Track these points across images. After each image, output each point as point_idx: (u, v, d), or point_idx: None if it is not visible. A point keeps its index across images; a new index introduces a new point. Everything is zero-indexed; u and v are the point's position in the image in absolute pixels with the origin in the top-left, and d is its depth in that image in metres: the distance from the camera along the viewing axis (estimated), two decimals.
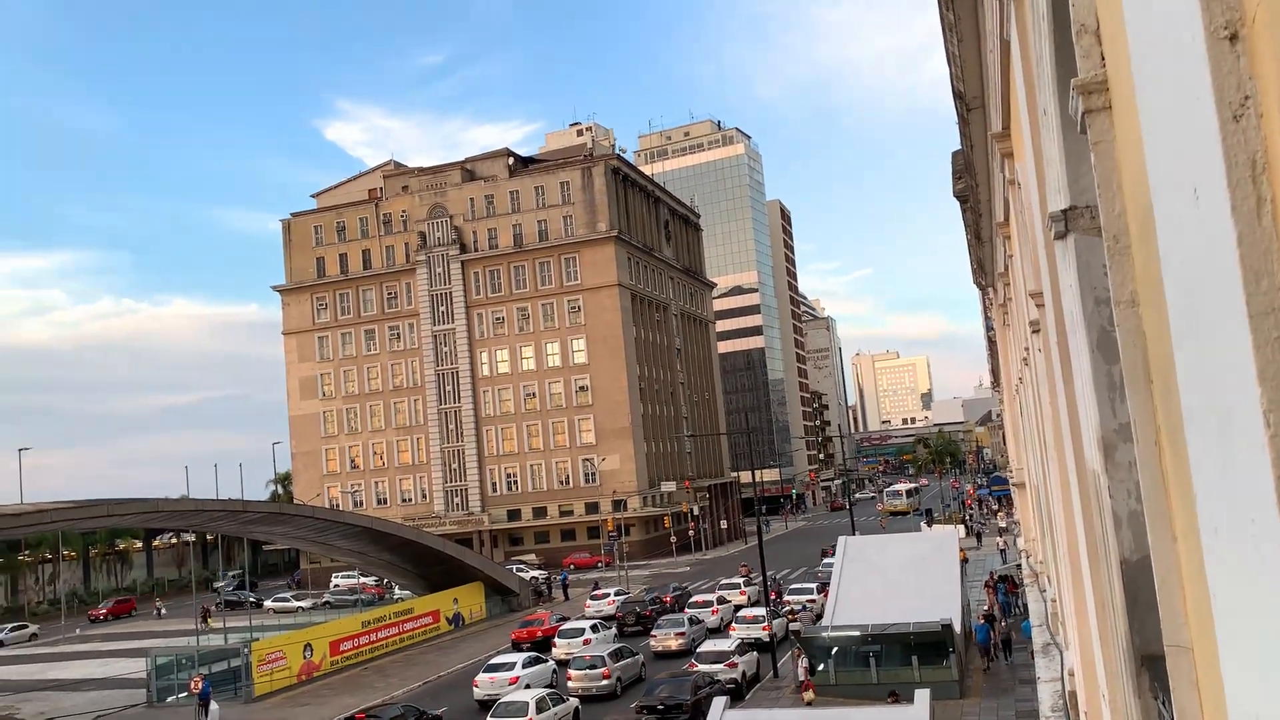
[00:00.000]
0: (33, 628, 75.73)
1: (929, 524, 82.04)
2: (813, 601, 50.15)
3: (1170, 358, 2.61)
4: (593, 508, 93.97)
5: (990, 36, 8.66)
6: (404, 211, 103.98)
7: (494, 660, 40.37)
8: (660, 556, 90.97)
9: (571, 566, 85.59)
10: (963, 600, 37.26)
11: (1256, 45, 1.74)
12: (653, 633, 46.24)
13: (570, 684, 37.09)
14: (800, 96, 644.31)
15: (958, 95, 10.96)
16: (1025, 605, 32.04)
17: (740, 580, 59.96)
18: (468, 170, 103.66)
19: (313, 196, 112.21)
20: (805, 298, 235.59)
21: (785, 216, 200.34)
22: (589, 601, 58.96)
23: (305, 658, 46.54)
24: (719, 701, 22.57)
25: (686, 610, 50.66)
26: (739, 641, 38.85)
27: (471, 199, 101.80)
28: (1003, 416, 53.74)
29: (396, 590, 71.19)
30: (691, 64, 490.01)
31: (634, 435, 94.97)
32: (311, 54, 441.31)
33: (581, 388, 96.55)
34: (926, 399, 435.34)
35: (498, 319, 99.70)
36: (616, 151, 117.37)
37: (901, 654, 32.14)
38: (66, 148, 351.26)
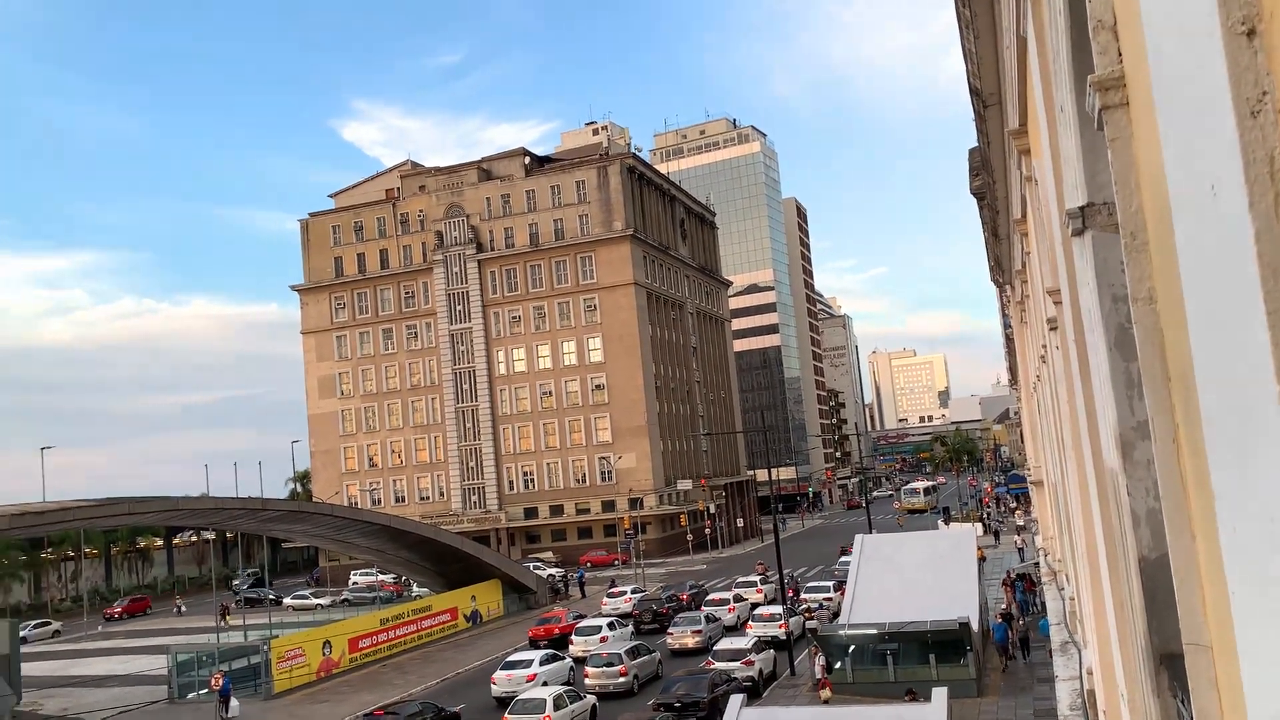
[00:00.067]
0: (56, 624, 76.40)
1: (946, 522, 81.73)
2: (829, 600, 50.07)
3: (1188, 355, 2.60)
4: (609, 506, 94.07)
5: (1007, 33, 8.63)
6: (421, 211, 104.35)
7: (511, 657, 40.48)
8: (677, 555, 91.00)
9: (588, 564, 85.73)
10: (980, 599, 37.11)
11: (1274, 41, 1.73)
12: (669, 630, 46.26)
13: (587, 681, 37.17)
14: (816, 94, 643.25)
15: (974, 92, 10.91)
16: (1043, 604, 31.90)
17: (757, 578, 59.91)
18: (484, 170, 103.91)
19: (330, 196, 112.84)
20: (821, 296, 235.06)
21: (801, 214, 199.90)
22: (606, 599, 59.04)
23: (324, 655, 46.79)
24: (736, 699, 22.56)
25: (703, 608, 50.66)
26: (756, 639, 38.82)
27: (488, 198, 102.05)
28: (1020, 414, 53.49)
29: (415, 588, 71.48)
30: (707, 62, 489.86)
31: (650, 433, 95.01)
32: (328, 55, 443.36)
33: (598, 386, 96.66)
34: (944, 397, 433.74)
35: (514, 318, 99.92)
36: (632, 150, 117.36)
37: (919, 652, 32.04)
38: (87, 150, 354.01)
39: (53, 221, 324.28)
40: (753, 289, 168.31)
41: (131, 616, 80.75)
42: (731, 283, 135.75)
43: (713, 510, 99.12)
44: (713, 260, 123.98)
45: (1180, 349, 2.74)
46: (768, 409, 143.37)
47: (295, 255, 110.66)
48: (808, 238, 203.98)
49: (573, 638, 45.98)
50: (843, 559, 60.13)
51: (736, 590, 56.27)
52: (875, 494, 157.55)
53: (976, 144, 13.81)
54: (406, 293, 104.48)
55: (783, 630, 40.99)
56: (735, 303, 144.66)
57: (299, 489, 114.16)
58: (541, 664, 38.68)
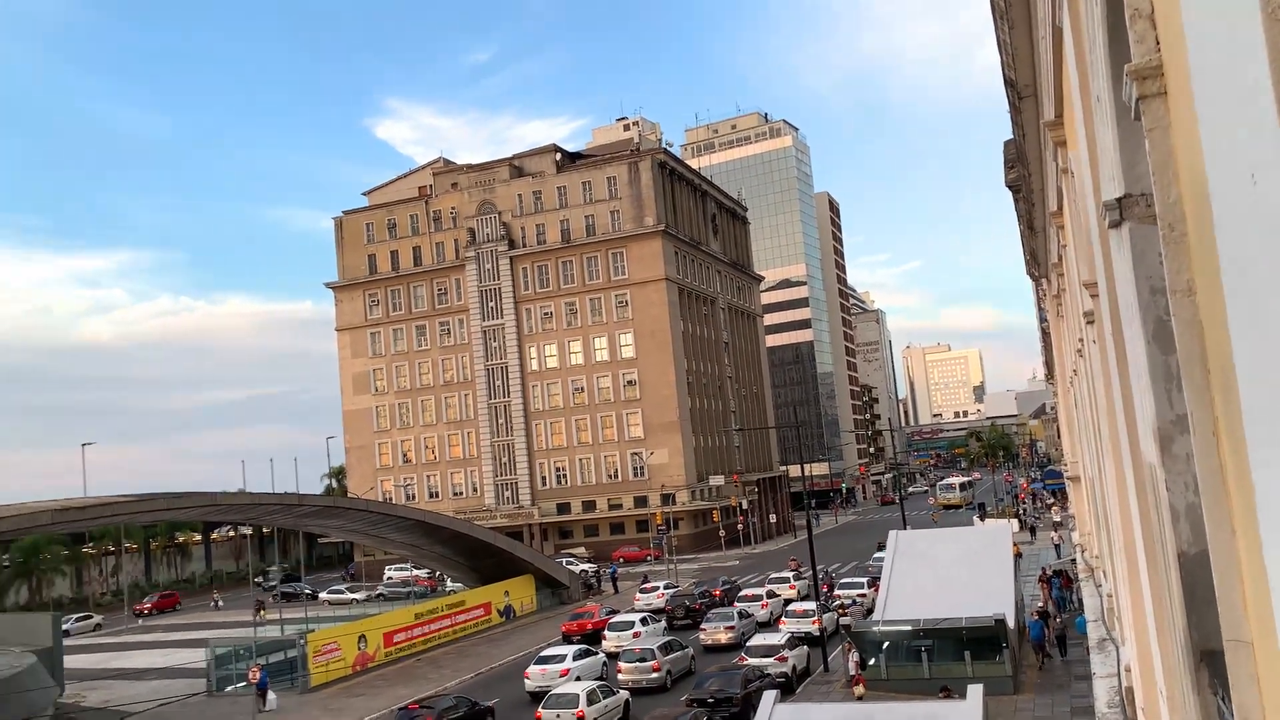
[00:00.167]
0: (97, 618, 77.70)
1: (982, 518, 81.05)
2: (863, 596, 49.86)
3: (1228, 347, 2.57)
4: (641, 501, 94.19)
5: (1042, 23, 8.54)
6: (453, 208, 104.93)
7: (545, 652, 40.67)
8: (709, 550, 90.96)
9: (621, 560, 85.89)
10: (1016, 595, 36.76)
11: None
12: (702, 626, 46.26)
13: (620, 676, 37.26)
14: (849, 87, 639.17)
15: (1009, 83, 10.81)
16: (1080, 600, 31.56)
17: (790, 574, 59.75)
18: (516, 167, 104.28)
19: (364, 194, 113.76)
20: (854, 290, 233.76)
21: (834, 209, 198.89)
22: (638, 595, 59.13)
23: (360, 649, 47.22)
24: (769, 695, 22.52)
25: (736, 604, 50.59)
26: (789, 635, 38.72)
27: (520, 195, 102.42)
28: (1057, 409, 52.93)
29: (448, 583, 71.93)
30: (738, 57, 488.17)
31: (682, 429, 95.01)
32: (362, 54, 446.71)
33: (629, 382, 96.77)
34: (979, 392, 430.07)
35: (546, 314, 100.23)
36: (663, 146, 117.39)
37: (954, 649, 31.81)
38: (124, 150, 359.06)
39: (92, 221, 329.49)
40: (785, 284, 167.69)
41: (161, 612, 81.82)
42: (763, 278, 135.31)
43: (745, 506, 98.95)
44: (744, 255, 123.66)
45: (1220, 341, 2.71)
46: (800, 404, 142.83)
47: (330, 253, 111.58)
48: (840, 232, 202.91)
49: (606, 633, 46.10)
50: (876, 555, 59.84)
51: (769, 586, 56.12)
52: (911, 490, 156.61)
53: (1012, 136, 13.67)
54: (439, 289, 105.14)
55: (816, 626, 40.87)
56: (767, 298, 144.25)
57: (334, 485, 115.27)
58: (575, 659, 38.82)
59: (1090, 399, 11.26)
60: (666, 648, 39.06)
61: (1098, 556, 18.66)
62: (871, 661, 32.92)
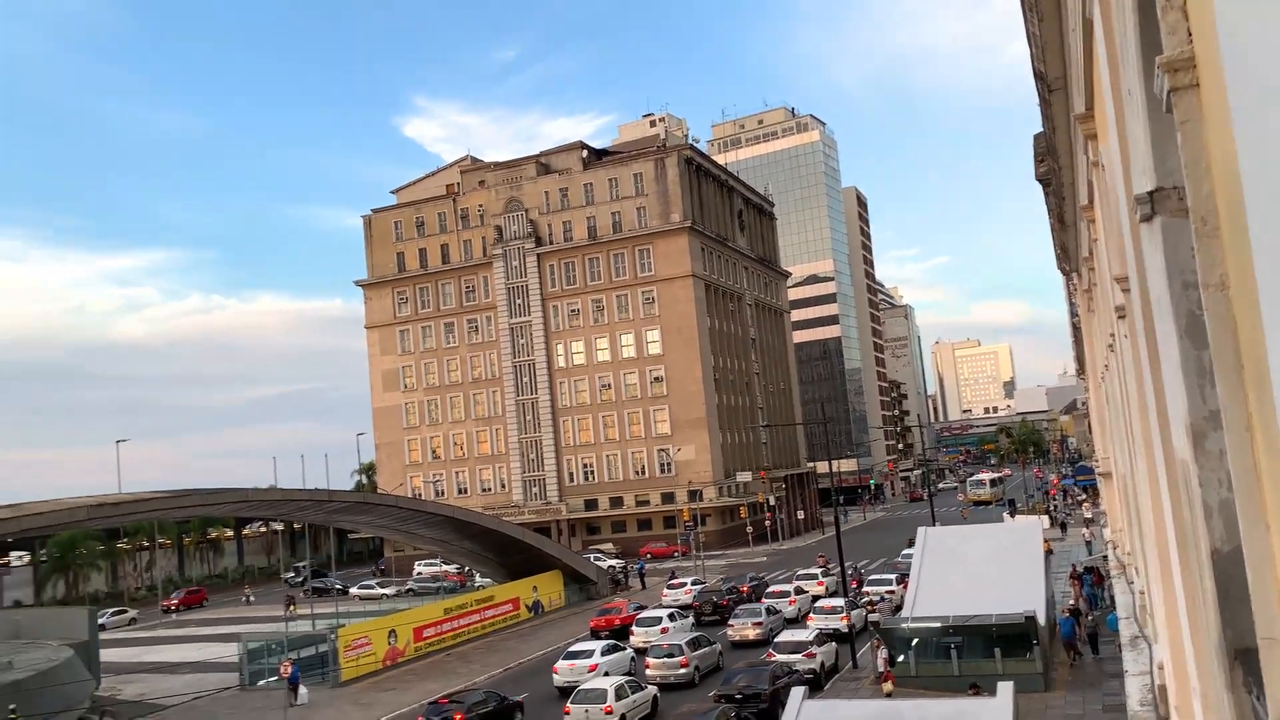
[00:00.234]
0: (132, 612, 78.79)
1: (1012, 514, 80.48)
2: (891, 592, 49.63)
3: (1262, 342, 2.55)
4: (668, 498, 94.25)
5: (1072, 15, 8.46)
6: (480, 206, 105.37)
7: (573, 647, 40.77)
8: (736, 546, 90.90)
9: (648, 556, 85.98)
10: (1047, 592, 36.47)
11: None
12: (730, 622, 46.22)
13: (649, 672, 37.32)
14: (876, 81, 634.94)
15: (1039, 76, 10.72)
16: (1112, 598, 31.27)
17: (818, 571, 59.58)
18: (542, 164, 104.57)
19: (392, 192, 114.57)
20: (883, 286, 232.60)
21: (861, 203, 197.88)
22: (666, 591, 59.17)
23: (390, 644, 47.57)
24: (797, 691, 22.47)
25: (763, 600, 50.51)
26: (817, 632, 38.63)
27: (546, 192, 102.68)
28: (1088, 405, 52.45)
29: (477, 578, 72.33)
30: (765, 51, 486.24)
31: (709, 425, 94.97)
32: (390, 53, 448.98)
33: (656, 378, 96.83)
34: (1009, 387, 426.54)
35: (573, 311, 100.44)
36: (689, 141, 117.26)
37: (983, 646, 31.60)
38: (157, 151, 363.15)
39: (125, 221, 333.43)
40: (812, 279, 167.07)
41: (188, 608, 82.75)
42: (790, 273, 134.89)
43: (773, 502, 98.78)
44: (771, 251, 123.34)
45: (1254, 336, 2.69)
46: (828, 400, 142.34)
47: (359, 251, 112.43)
48: (868, 227, 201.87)
49: (633, 629, 46.18)
50: (905, 552, 59.56)
51: (797, 582, 55.98)
52: (940, 486, 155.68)
53: (1042, 129, 13.56)
54: (467, 287, 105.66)
55: (844, 623, 40.74)
56: (795, 293, 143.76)
57: (364, 481, 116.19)
58: (603, 654, 38.90)
59: (1122, 394, 11.16)
60: (694, 643, 39.08)
61: (1130, 553, 18.49)
62: (900, 658, 32.77)
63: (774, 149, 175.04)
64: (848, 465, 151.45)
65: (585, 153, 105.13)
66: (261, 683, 43.90)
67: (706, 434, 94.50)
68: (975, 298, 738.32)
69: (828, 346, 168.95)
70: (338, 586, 79.14)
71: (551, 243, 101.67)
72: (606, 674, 36.09)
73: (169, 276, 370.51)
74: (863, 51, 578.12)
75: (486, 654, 48.99)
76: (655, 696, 33.96)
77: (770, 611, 46.79)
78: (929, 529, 41.91)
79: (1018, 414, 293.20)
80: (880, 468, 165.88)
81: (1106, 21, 6.20)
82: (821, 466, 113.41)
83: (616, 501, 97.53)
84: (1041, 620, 32.20)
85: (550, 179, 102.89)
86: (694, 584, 59.32)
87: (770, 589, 54.36)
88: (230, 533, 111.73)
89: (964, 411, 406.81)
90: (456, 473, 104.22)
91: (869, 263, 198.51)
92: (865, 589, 51.51)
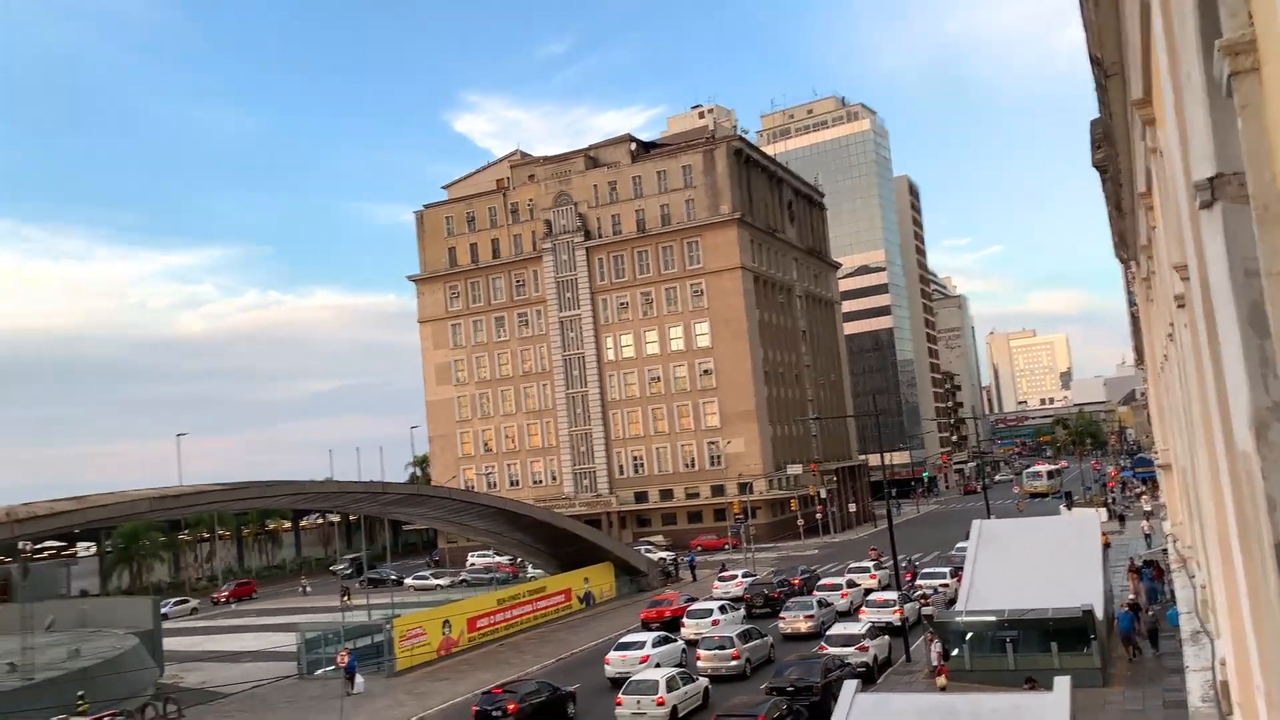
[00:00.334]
0: (193, 602, 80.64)
1: (1069, 507, 79.23)
2: (946, 586, 49.17)
3: None
4: (718, 490, 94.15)
5: None
6: (530, 200, 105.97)
7: (625, 639, 40.93)
8: (787, 539, 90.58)
9: (698, 548, 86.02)
10: (1105, 586, 35.86)
11: None
12: (781, 615, 46.09)
13: (700, 664, 37.36)
14: (929, 68, 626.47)
15: (1095, 61, 10.53)
16: (1172, 592, 30.66)
17: (870, 564, 59.20)
18: (591, 157, 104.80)
19: (444, 188, 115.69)
20: (935, 275, 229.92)
21: (913, 193, 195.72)
22: (716, 583, 59.18)
23: (444, 634, 48.12)
24: (850, 685, 22.35)
25: (815, 593, 50.31)
26: (870, 625, 38.36)
27: (595, 185, 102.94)
28: (1147, 395, 51.45)
29: (529, 569, 72.89)
30: (814, 41, 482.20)
31: (759, 418, 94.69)
32: (440, 49, 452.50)
33: (705, 371, 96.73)
34: (1065, 378, 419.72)
35: (622, 304, 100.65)
36: (738, 132, 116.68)
37: (1040, 640, 31.18)
38: (212, 148, 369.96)
39: (183, 218, 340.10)
40: (864, 270, 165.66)
41: (238, 600, 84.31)
42: (841, 265, 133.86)
43: (823, 495, 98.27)
44: (822, 242, 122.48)
45: None
46: (880, 392, 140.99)
47: (411, 246, 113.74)
48: (920, 216, 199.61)
49: (684, 620, 46.24)
50: (959, 545, 58.95)
51: (849, 575, 55.67)
52: (996, 478, 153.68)
53: (1098, 115, 13.32)
54: (517, 281, 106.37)
55: (897, 616, 40.43)
56: (846, 284, 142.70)
57: (418, 473, 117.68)
58: (654, 646, 39.01)
59: (1181, 385, 10.95)
60: (745, 635, 39.03)
61: (1190, 547, 18.13)
62: (955, 652, 32.45)
63: (824, 139, 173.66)
64: (900, 458, 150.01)
65: (634, 145, 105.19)
66: (319, 672, 44.68)
67: (756, 427, 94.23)
68: (1031, 287, 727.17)
69: (879, 338, 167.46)
70: (392, 577, 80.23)
71: (600, 236, 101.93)
72: (658, 665, 36.19)
73: (227, 273, 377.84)
74: (914, 39, 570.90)
75: (539, 644, 49.38)
76: (706, 688, 33.99)
77: (822, 604, 46.60)
78: (984, 521, 41.40)
79: (1074, 405, 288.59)
80: (933, 460, 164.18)
81: (1165, 4, 6.08)
82: (873, 459, 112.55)
83: (666, 494, 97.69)
84: (1099, 614, 31.68)
85: (599, 172, 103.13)
86: (745, 576, 59.24)
87: (822, 582, 54.08)
88: (288, 524, 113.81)
89: (1019, 403, 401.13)
90: (508, 465, 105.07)
91: (921, 252, 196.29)
92: (919, 582, 51.05)
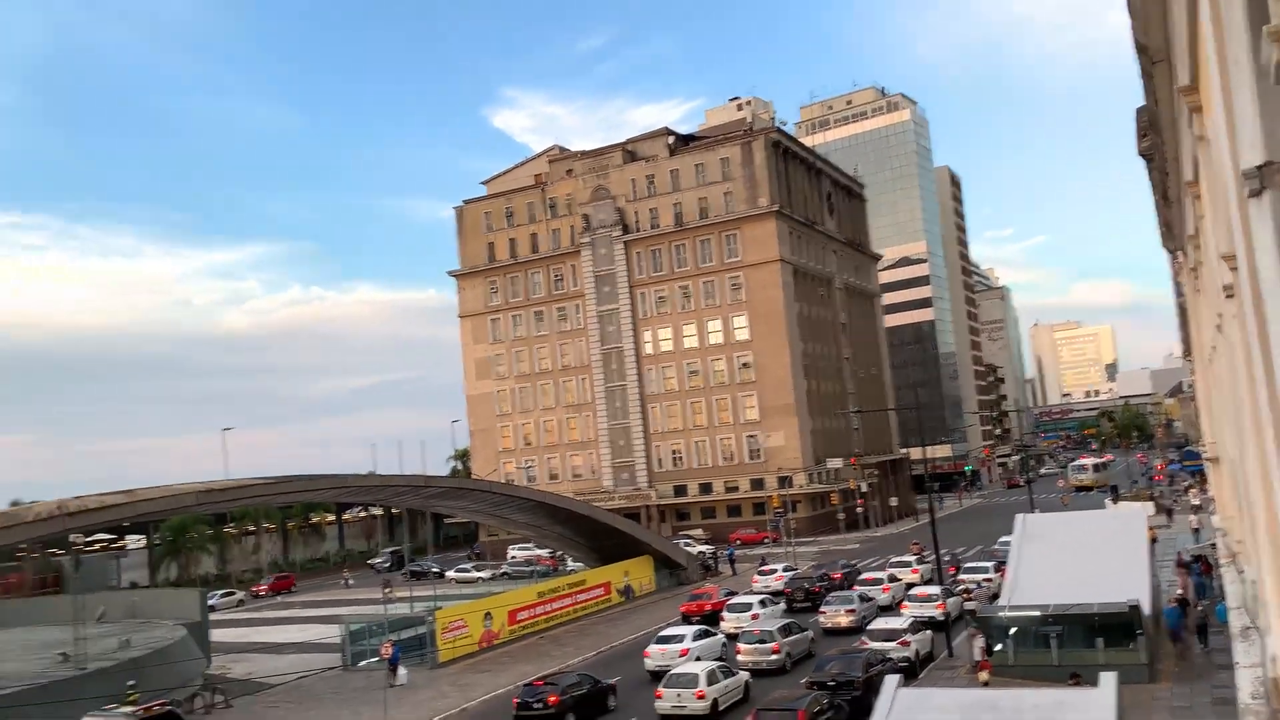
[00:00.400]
0: (240, 594, 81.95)
1: (1114, 501, 78.11)
2: (989, 580, 48.68)
3: None
4: (758, 484, 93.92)
5: None
6: (568, 195, 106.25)
7: (664, 632, 40.98)
8: (827, 533, 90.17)
9: (738, 542, 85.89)
10: (1152, 581, 35.32)
11: None
12: (821, 609, 45.90)
13: (740, 658, 37.33)
14: (969, 57, 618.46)
15: (1140, 49, 10.37)
16: (1221, 587, 30.15)
17: (912, 558, 58.75)
18: (629, 151, 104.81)
19: (483, 183, 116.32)
20: (978, 267, 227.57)
21: (955, 183, 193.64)
22: (756, 577, 59.06)
23: (485, 626, 48.48)
24: (892, 680, 22.21)
25: (856, 587, 50.05)
26: (912, 620, 38.09)
27: (633, 179, 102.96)
28: (1195, 387, 50.58)
29: (569, 562, 73.19)
30: (853, 31, 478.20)
31: (798, 412, 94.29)
32: (479, 45, 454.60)
33: (744, 364, 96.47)
34: (1111, 370, 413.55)
35: (660, 298, 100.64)
36: (776, 124, 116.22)
37: (1084, 635, 30.78)
38: (256, 146, 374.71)
39: (227, 215, 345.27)
40: (904, 262, 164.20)
41: (277, 594, 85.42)
42: (881, 256, 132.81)
43: (864, 489, 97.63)
44: (861, 234, 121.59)
45: None
46: (922, 385, 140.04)
47: (451, 241, 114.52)
48: (962, 207, 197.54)
49: (724, 614, 46.19)
50: (1002, 539, 58.34)
51: (891, 570, 55.32)
52: (1043, 471, 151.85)
53: (1144, 103, 13.12)
54: (556, 275, 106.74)
55: (940, 611, 40.09)
56: (886, 276, 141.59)
57: (459, 467, 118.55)
58: (694, 639, 39.03)
59: (1230, 376, 10.77)
60: (786, 630, 38.91)
61: (1240, 541, 17.83)
62: (998, 647, 32.15)
63: (863, 129, 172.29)
64: (942, 451, 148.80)
65: (671, 139, 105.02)
66: (363, 663, 45.19)
67: (796, 420, 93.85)
68: (1075, 278, 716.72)
69: (921, 330, 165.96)
70: (434, 570, 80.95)
71: (638, 230, 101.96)
72: (698, 659, 36.22)
73: (270, 269, 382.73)
74: (954, 28, 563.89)
75: (579, 637, 49.58)
76: (747, 682, 33.96)
77: (863, 599, 46.37)
78: (1028, 516, 40.92)
79: (1120, 397, 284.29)
80: (976, 453, 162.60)
81: None
82: (915, 452, 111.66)
83: (705, 488, 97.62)
84: (1146, 610, 31.21)
85: (637, 166, 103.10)
86: (785, 570, 59.07)
87: (863, 576, 53.82)
88: (331, 518, 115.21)
89: (1064, 395, 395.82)
90: (548, 459, 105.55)
91: (963, 244, 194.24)
92: (961, 577, 50.61)
